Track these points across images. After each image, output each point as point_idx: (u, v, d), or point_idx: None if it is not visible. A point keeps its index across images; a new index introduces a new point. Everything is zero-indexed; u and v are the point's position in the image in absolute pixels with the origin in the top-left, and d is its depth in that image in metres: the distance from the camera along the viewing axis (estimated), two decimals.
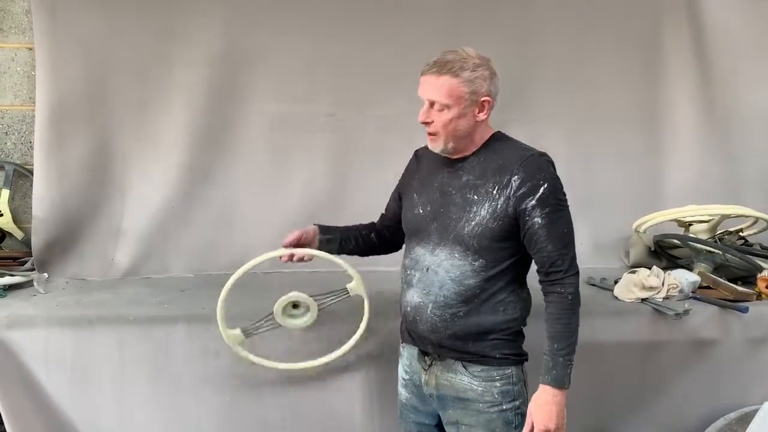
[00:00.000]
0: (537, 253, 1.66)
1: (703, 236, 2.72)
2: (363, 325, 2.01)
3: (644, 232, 2.85)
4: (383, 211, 2.02)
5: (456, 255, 1.67)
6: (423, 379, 1.79)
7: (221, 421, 2.26)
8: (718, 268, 2.58)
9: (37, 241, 2.68)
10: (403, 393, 1.90)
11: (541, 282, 1.69)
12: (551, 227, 1.63)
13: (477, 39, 2.87)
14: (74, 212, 2.73)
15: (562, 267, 1.64)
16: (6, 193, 2.79)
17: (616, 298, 2.39)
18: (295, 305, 2.00)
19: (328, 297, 1.99)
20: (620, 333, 2.29)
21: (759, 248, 2.71)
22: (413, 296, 1.74)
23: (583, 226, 2.99)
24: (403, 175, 1.95)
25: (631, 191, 3.04)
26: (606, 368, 2.32)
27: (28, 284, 2.51)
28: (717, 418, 2.33)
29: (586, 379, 2.31)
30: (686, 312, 2.25)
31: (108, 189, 2.78)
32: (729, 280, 2.47)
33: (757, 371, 2.35)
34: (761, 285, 2.41)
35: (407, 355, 1.87)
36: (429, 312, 1.70)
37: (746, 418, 2.20)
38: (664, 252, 2.82)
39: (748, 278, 2.56)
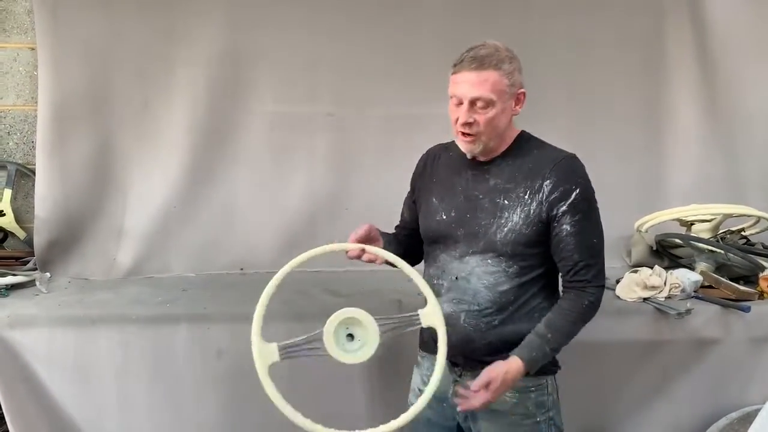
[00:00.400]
0: (562, 261, 1.61)
1: (705, 235, 2.71)
2: (437, 374, 1.50)
3: (646, 231, 2.84)
4: (398, 223, 1.91)
5: (489, 262, 1.61)
6: (451, 391, 1.68)
7: (222, 420, 2.26)
8: (720, 268, 2.57)
9: (39, 241, 2.69)
10: None
11: (563, 287, 1.65)
12: (580, 236, 1.59)
13: (477, 38, 2.89)
14: (76, 212, 2.73)
15: (586, 277, 1.59)
16: (8, 192, 2.79)
17: (618, 297, 2.38)
18: (348, 329, 1.51)
19: (393, 322, 1.51)
20: (622, 332, 2.29)
21: (761, 247, 2.70)
22: (443, 306, 1.61)
23: None
24: (414, 179, 1.84)
25: (633, 190, 3.03)
26: (608, 367, 2.32)
27: (30, 284, 2.52)
28: (719, 418, 2.32)
29: (587, 378, 2.32)
30: (688, 311, 2.25)
31: (110, 189, 2.78)
32: (731, 280, 2.46)
33: (760, 370, 2.35)
34: (763, 284, 2.41)
35: (428, 366, 1.74)
36: (462, 322, 1.62)
37: (748, 418, 2.20)
38: (666, 251, 2.82)
39: (750, 278, 2.55)
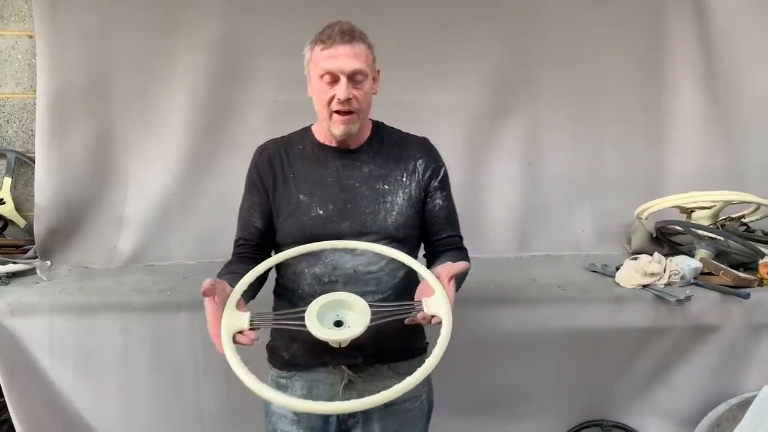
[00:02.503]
0: (435, 234, 1.68)
1: (705, 222, 2.71)
2: (433, 359, 1.28)
3: (646, 218, 2.85)
4: (242, 241, 1.67)
5: None
6: (342, 400, 1.58)
7: (223, 408, 2.28)
8: (720, 255, 2.58)
9: (39, 229, 2.69)
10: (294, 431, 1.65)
11: (436, 252, 1.68)
12: (450, 208, 1.70)
13: (478, 26, 2.91)
14: (76, 200, 2.73)
15: (459, 244, 1.70)
16: (8, 181, 2.79)
17: (618, 284, 2.39)
18: (338, 315, 1.39)
19: (390, 310, 1.38)
20: (621, 319, 2.29)
21: (761, 234, 2.71)
22: None
23: (585, 213, 3.01)
24: (259, 180, 1.66)
25: (633, 177, 3.03)
26: (607, 354, 2.32)
27: (30, 272, 2.53)
28: (718, 404, 2.34)
29: (586, 365, 2.34)
30: (688, 298, 2.25)
31: (109, 177, 2.78)
32: (731, 267, 2.47)
33: (758, 357, 2.35)
34: (763, 271, 2.41)
35: (302, 384, 1.64)
36: None
37: (747, 404, 2.21)
38: (666, 238, 2.82)
39: (749, 264, 2.56)
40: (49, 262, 2.65)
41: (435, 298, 1.37)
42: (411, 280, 1.63)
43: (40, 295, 2.28)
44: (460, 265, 1.42)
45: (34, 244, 2.71)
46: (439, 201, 1.67)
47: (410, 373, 1.51)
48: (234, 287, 1.41)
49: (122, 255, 2.75)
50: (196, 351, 2.23)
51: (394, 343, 1.57)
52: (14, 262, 2.51)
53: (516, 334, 2.27)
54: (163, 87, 2.77)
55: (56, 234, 2.71)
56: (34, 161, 2.73)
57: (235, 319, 1.36)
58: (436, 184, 1.67)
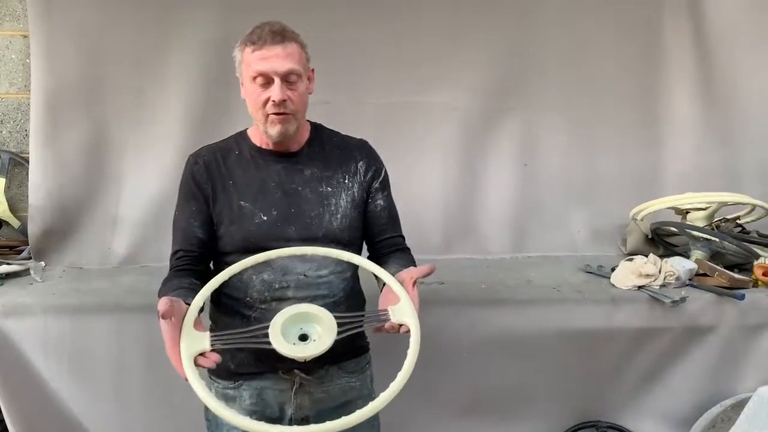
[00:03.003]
0: (379, 235, 1.69)
1: (701, 224, 2.72)
2: (405, 373, 1.23)
3: (641, 219, 2.85)
4: (182, 253, 1.65)
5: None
6: (294, 404, 1.59)
7: None
8: (715, 256, 2.58)
9: (33, 230, 2.67)
10: None
11: (383, 253, 1.68)
12: (391, 209, 1.71)
13: (476, 26, 2.91)
14: (71, 201, 2.72)
15: (402, 245, 1.71)
16: (2, 181, 2.78)
17: (613, 285, 2.39)
18: (302, 329, 1.33)
19: (356, 320, 1.35)
20: (616, 320, 2.29)
21: (756, 235, 2.71)
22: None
23: (581, 214, 3.01)
24: (198, 189, 1.64)
25: (628, 179, 3.03)
26: (602, 355, 2.33)
27: (24, 273, 2.52)
28: (713, 405, 2.35)
29: (582, 366, 2.34)
30: (683, 299, 2.25)
31: (104, 177, 2.76)
32: (726, 268, 2.47)
33: (753, 358, 2.36)
34: (758, 272, 2.42)
35: (251, 393, 1.61)
36: None
37: (742, 405, 2.21)
38: (662, 239, 2.82)
39: (744, 265, 2.57)
40: (43, 263, 2.63)
41: (401, 306, 1.34)
42: (357, 279, 1.67)
43: (34, 296, 2.27)
44: (424, 269, 1.42)
45: (28, 244, 2.70)
46: (380, 202, 1.68)
47: (358, 371, 1.61)
48: (188, 304, 1.35)
49: (117, 256, 2.73)
50: None
51: (343, 342, 1.55)
52: (8, 263, 2.50)
53: (511, 335, 2.27)
54: (158, 87, 2.75)
55: (50, 235, 2.69)
56: (28, 161, 2.71)
57: (194, 340, 1.30)
58: (377, 185, 1.68)
